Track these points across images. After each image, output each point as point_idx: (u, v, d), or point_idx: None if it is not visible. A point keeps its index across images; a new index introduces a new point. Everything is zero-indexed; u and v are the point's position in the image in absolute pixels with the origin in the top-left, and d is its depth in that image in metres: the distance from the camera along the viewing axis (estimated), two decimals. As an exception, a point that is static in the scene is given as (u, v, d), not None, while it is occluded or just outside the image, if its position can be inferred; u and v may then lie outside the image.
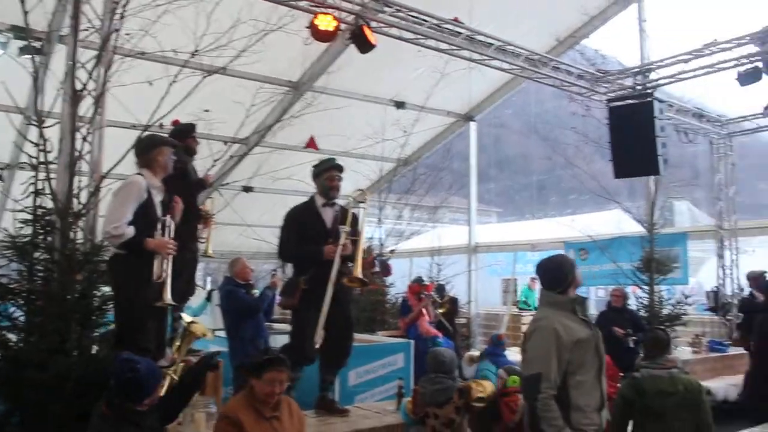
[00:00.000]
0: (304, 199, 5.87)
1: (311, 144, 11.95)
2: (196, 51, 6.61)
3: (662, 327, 8.31)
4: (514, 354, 7.81)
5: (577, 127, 10.98)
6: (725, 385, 8.82)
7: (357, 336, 8.43)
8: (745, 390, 8.23)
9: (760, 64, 8.52)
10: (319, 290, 5.23)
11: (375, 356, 7.83)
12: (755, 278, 9.77)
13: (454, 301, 11.37)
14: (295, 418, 3.96)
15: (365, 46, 7.49)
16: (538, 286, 5.77)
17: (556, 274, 3.94)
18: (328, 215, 5.62)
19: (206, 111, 7.10)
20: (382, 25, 7.73)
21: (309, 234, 5.48)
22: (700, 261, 17.61)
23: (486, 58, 8.80)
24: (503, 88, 13.99)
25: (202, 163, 6.80)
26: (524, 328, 13.03)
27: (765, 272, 9.76)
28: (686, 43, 9.45)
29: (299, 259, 5.59)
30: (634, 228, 11.13)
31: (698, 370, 9.00)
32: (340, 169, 5.70)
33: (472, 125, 14.95)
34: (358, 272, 5.37)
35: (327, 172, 5.65)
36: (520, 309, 15.00)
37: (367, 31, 7.44)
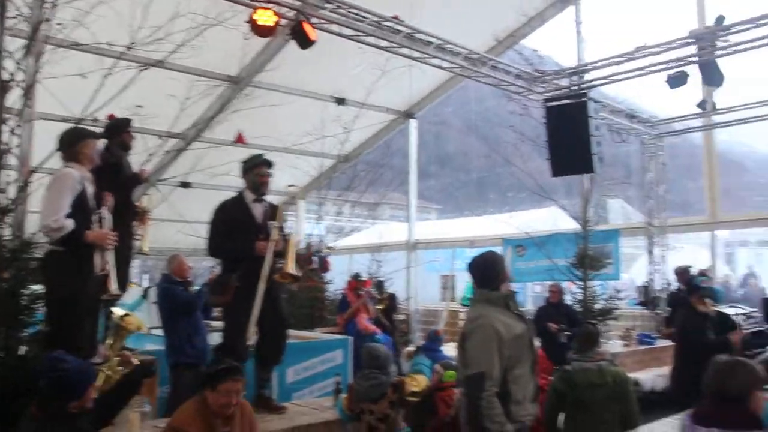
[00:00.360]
0: (240, 194, 5.80)
1: (240, 139, 11.76)
2: (132, 44, 6.48)
3: (593, 322, 8.59)
4: (451, 349, 7.93)
5: (516, 125, 11.18)
6: (653, 376, 9.13)
7: (295, 333, 8.42)
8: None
9: (687, 69, 8.83)
10: (251, 287, 5.18)
11: (313, 353, 7.82)
12: (681, 273, 10.15)
13: (392, 298, 11.46)
14: (246, 425, 3.88)
15: (305, 41, 7.45)
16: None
17: (488, 271, 4.00)
18: (257, 211, 5.55)
19: (139, 107, 6.93)
20: (322, 21, 7.70)
21: (239, 230, 5.40)
22: (633, 257, 18.18)
23: (426, 56, 8.86)
24: (443, 86, 14.15)
25: (139, 158, 6.68)
26: (463, 324, 13.23)
27: (690, 267, 10.15)
28: (621, 45, 9.71)
29: (229, 255, 5.50)
30: (570, 225, 11.40)
31: (628, 362, 9.27)
32: (269, 164, 5.64)
33: (413, 122, 15.06)
34: (290, 268, 5.35)
35: (257, 168, 5.59)
36: (464, 305, 15.13)
37: (307, 27, 7.40)
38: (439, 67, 9.28)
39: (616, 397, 4.52)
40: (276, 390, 6.53)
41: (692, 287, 7.74)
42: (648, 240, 12.28)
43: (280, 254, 5.44)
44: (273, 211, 5.61)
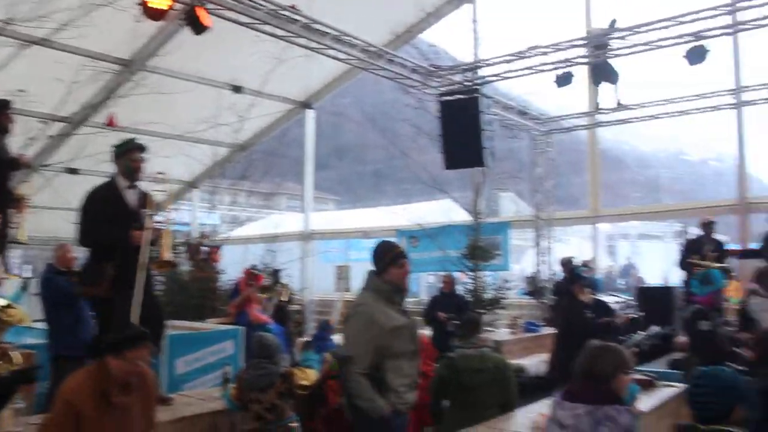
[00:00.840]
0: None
1: (111, 122, 11.20)
2: (10, 19, 6.14)
3: (477, 311, 8.91)
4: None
5: (413, 119, 11.36)
6: (537, 362, 9.52)
7: (185, 324, 8.24)
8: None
9: (580, 68, 9.26)
10: (128, 277, 4.99)
11: (203, 344, 7.67)
12: (565, 264, 10.64)
13: (284, 287, 11.40)
14: (147, 395, 3.68)
15: (199, 27, 7.29)
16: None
17: (377, 258, 4.08)
18: (131, 197, 5.31)
19: (21, 91, 6.57)
20: (217, 7, 7.55)
21: (112, 217, 5.15)
22: (523, 249, 18.89)
23: (322, 47, 8.85)
24: (341, 78, 14.15)
25: (19, 142, 6.35)
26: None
27: (573, 258, 10.65)
28: (515, 44, 10.04)
29: (103, 244, 5.20)
30: (464, 217, 11.70)
31: (514, 349, 9.64)
32: (142, 149, 5.36)
33: (310, 113, 15.00)
34: (166, 255, 5.23)
35: (130, 153, 5.32)
36: None
37: (201, 12, 7.23)
38: (336, 58, 9.29)
39: (496, 382, 4.71)
40: (165, 381, 6.39)
41: (573, 277, 8.14)
42: (536, 232, 12.77)
43: (153, 242, 5.27)
44: (146, 199, 5.39)
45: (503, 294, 11.27)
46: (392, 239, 14.19)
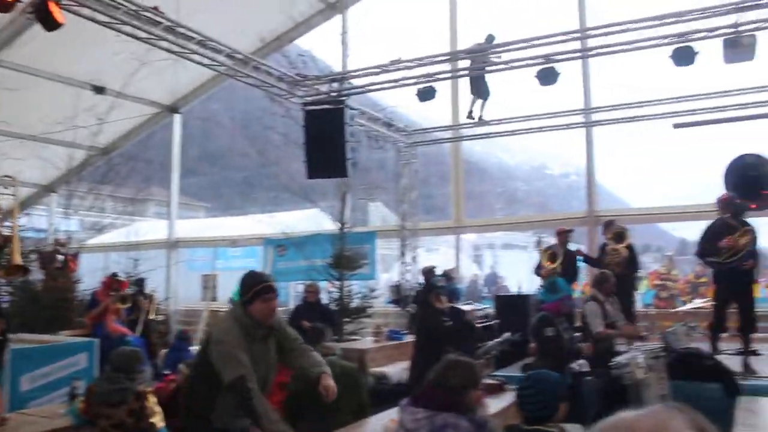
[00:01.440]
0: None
1: None
2: None
3: (344, 319, 9.02)
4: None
5: (281, 127, 11.34)
6: (399, 369, 9.70)
7: (35, 337, 7.80)
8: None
9: (434, 84, 9.58)
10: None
11: (53, 358, 7.31)
12: (427, 273, 10.95)
13: (149, 298, 11.04)
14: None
15: (51, 23, 6.94)
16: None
17: (243, 284, 4.11)
18: None
19: None
20: (72, 3, 7.23)
21: None
22: (393, 258, 19.23)
23: (186, 51, 8.68)
24: (210, 83, 13.96)
25: None
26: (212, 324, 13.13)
27: (435, 267, 10.98)
28: (385, 56, 10.25)
29: None
30: (333, 227, 11.79)
31: (377, 357, 9.79)
32: None
33: (177, 117, 14.65)
34: (17, 259, 5.00)
35: None
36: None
37: (54, 7, 6.90)
38: (201, 63, 9.13)
39: (346, 389, 4.79)
40: (8, 400, 6.02)
41: (430, 286, 8.39)
42: (401, 242, 13.05)
43: (1, 248, 5.03)
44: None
45: (369, 303, 11.45)
46: (259, 248, 14.15)
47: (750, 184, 8.18)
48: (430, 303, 7.57)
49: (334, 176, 10.19)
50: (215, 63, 9.17)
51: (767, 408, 4.84)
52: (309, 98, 10.17)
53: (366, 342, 10.63)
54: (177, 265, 15.20)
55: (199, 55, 8.83)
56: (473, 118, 11.51)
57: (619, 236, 8.47)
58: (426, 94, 9.63)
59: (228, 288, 15.28)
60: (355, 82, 10.58)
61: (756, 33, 8.00)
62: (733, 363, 7.51)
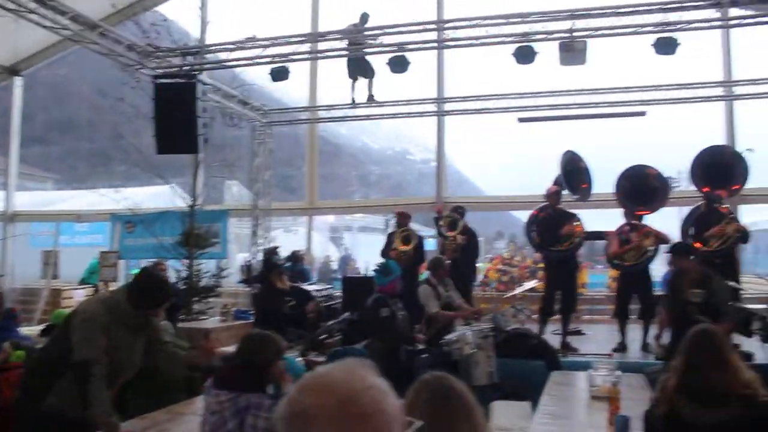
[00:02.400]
0: None
1: None
2: None
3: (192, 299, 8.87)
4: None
5: (133, 99, 10.87)
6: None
7: None
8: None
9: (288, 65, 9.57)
10: None
11: None
12: (269, 253, 10.91)
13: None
14: None
15: None
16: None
17: (141, 286, 3.97)
18: None
19: None
20: None
21: None
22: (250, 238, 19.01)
23: (24, 10, 8.14)
24: (56, 46, 13.15)
25: None
26: (67, 303, 12.50)
27: (278, 247, 10.97)
28: (244, 32, 10.05)
29: None
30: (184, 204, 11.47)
31: (223, 336, 9.69)
32: None
33: (18, 80, 13.69)
34: None
35: None
36: (84, 283, 13.93)
37: None
38: (40, 24, 8.59)
39: (177, 367, 4.77)
40: None
41: (271, 266, 8.41)
42: (253, 221, 12.94)
43: None
44: None
45: (218, 282, 11.30)
46: (106, 224, 13.56)
47: (571, 180, 8.83)
48: (271, 283, 7.62)
49: (185, 152, 9.94)
50: (58, 26, 8.66)
51: (577, 380, 5.28)
52: (161, 70, 9.84)
53: (212, 321, 10.50)
54: (15, 240, 14.28)
55: (39, 16, 8.31)
56: (354, 100, 11.58)
57: (452, 224, 8.85)
58: (279, 74, 9.59)
59: (72, 265, 14.57)
60: (221, 56, 10.35)
61: (587, 39, 8.62)
62: (557, 342, 8.16)
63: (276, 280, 7.46)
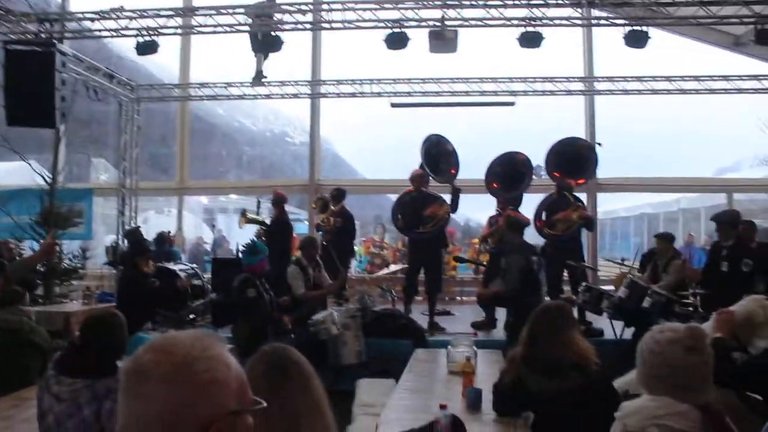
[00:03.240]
0: None
1: None
2: None
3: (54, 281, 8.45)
4: None
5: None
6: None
7: None
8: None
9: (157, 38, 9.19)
10: None
11: None
12: (131, 233, 10.52)
13: None
14: None
15: None
16: None
17: None
18: None
19: None
20: None
21: None
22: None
23: None
24: None
25: None
26: None
27: (139, 227, 10.59)
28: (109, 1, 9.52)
29: None
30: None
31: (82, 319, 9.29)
32: None
33: None
34: None
35: None
36: None
37: None
38: None
39: (9, 351, 4.56)
40: None
41: (135, 247, 8.13)
42: (119, 201, 12.40)
43: None
44: None
45: (82, 264, 10.80)
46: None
47: (437, 163, 9.06)
48: (135, 265, 7.38)
49: (40, 126, 9.32)
50: None
51: (437, 357, 5.45)
52: (14, 36, 9.18)
53: (74, 305, 10.02)
54: None
55: None
56: (265, 77, 11.23)
57: (323, 206, 8.90)
58: (146, 48, 9.19)
59: None
60: (69, 26, 9.79)
61: (458, 29, 8.86)
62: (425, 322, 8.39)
63: (142, 264, 7.23)
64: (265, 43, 9.92)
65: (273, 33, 9.46)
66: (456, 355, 4.73)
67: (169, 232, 11.32)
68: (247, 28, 9.43)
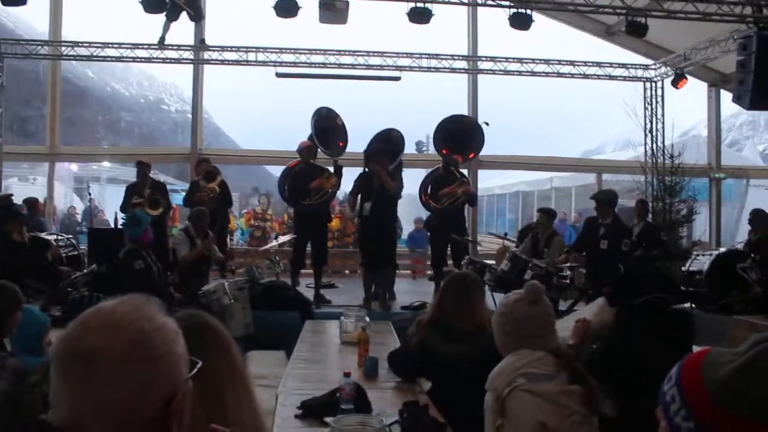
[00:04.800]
0: None
1: None
2: None
3: None
4: None
5: None
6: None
7: None
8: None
9: None
10: None
11: None
12: (2, 200, 9.82)
13: None
14: None
15: None
16: None
17: None
18: None
19: None
20: None
21: None
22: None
23: None
24: None
25: None
26: None
27: (11, 195, 9.89)
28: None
29: None
30: None
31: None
32: None
33: None
34: None
35: None
36: None
37: None
38: None
39: None
40: None
41: (8, 214, 7.62)
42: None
43: None
44: None
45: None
46: None
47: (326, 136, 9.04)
48: (7, 234, 6.92)
49: None
50: None
51: (327, 328, 5.49)
52: None
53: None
54: None
55: None
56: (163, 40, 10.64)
57: (209, 175, 8.68)
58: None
59: None
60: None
61: (349, 1, 8.83)
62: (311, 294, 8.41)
63: (14, 231, 6.78)
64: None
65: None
66: (349, 325, 4.78)
67: (36, 198, 10.62)
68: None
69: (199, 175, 8.84)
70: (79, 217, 16.24)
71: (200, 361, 1.17)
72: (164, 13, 9.71)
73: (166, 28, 10.50)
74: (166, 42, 10.86)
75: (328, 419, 2.74)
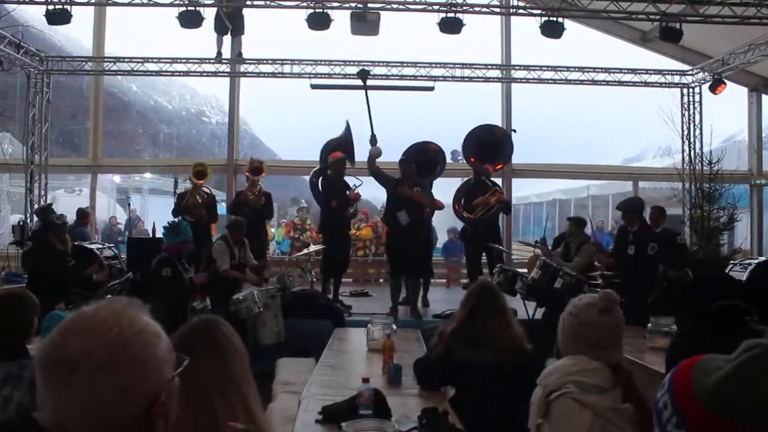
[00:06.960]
0: None
1: None
2: None
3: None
4: None
5: None
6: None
7: None
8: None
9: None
10: None
11: None
12: (42, 211, 10.11)
13: None
14: None
15: None
16: None
17: None
18: None
19: None
20: None
21: None
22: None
23: None
24: None
25: None
26: None
27: (51, 205, 10.18)
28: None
29: None
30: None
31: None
32: None
33: None
34: None
35: None
36: None
37: None
38: None
39: None
40: None
41: (48, 225, 7.85)
42: (27, 179, 11.85)
43: None
44: None
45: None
46: None
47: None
48: (48, 243, 7.15)
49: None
50: None
51: (355, 336, 5.55)
52: None
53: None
54: None
55: None
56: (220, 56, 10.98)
57: (255, 170, 8.92)
58: (57, 17, 8.78)
59: None
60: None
61: (380, 12, 8.92)
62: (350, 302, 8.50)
63: (54, 240, 6.99)
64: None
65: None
66: (376, 332, 4.83)
67: (87, 208, 10.93)
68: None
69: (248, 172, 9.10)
70: (121, 227, 16.63)
71: (188, 358, 1.17)
72: (214, 29, 10.02)
73: (219, 43, 10.79)
74: (222, 56, 11.12)
75: (344, 424, 2.79)
